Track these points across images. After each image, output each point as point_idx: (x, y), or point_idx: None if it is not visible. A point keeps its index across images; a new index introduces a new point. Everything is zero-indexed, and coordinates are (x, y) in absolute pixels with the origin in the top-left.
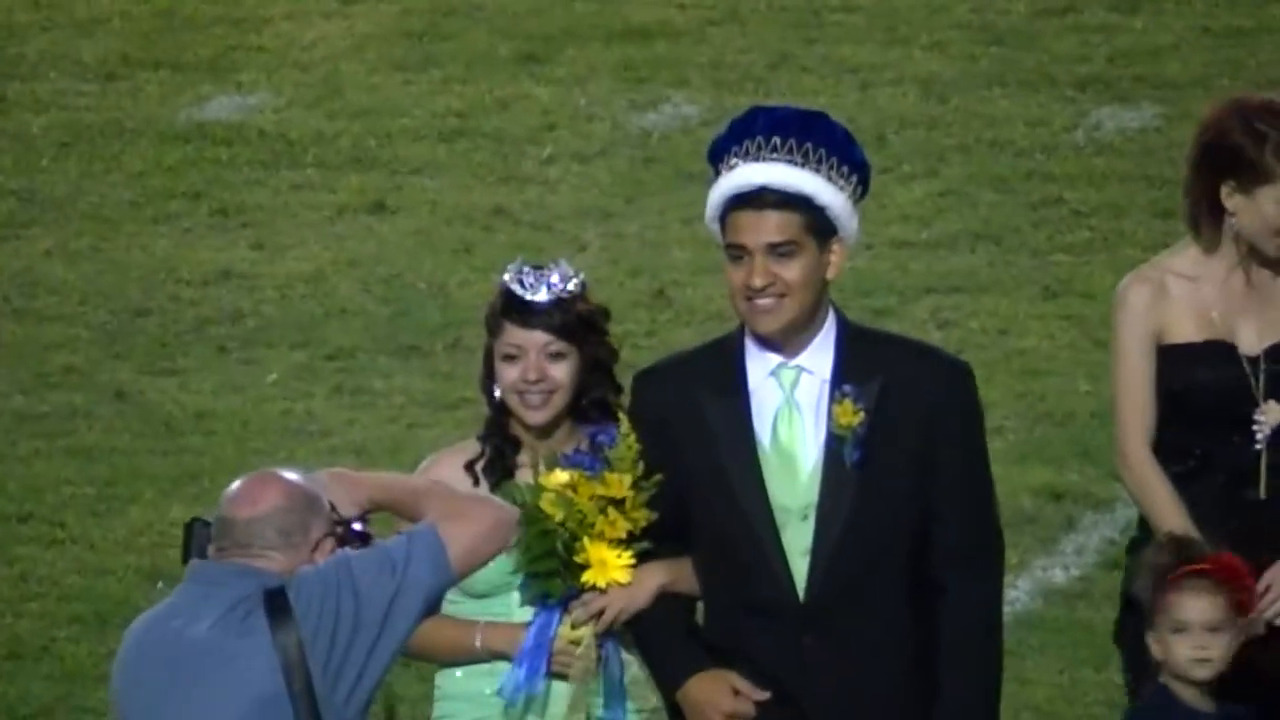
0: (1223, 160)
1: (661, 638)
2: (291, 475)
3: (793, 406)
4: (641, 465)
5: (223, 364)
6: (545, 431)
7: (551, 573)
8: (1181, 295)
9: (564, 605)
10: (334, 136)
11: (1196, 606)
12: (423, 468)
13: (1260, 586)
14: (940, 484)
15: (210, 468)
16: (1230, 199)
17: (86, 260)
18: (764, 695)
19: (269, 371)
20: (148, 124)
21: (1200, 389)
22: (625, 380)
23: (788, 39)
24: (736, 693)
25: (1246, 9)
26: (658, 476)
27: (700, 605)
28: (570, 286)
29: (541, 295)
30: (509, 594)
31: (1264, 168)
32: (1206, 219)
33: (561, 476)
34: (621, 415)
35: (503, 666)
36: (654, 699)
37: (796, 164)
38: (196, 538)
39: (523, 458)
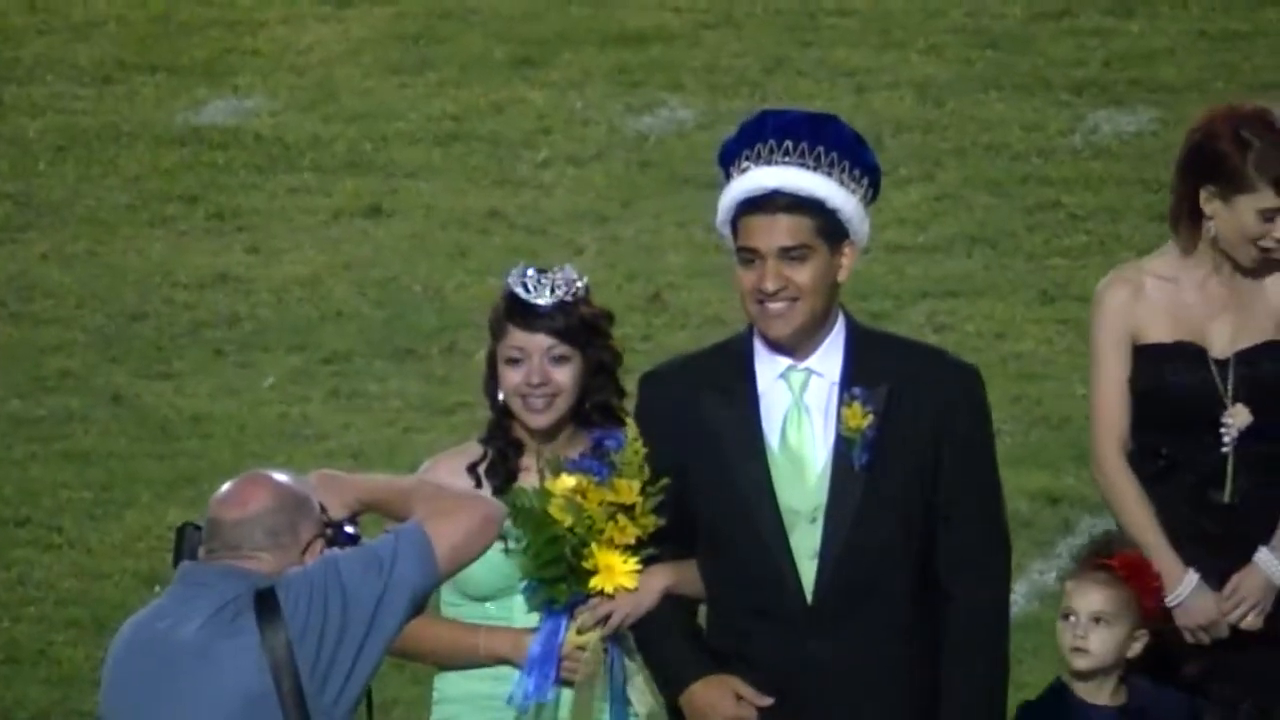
0: (1206, 164)
1: (665, 641)
2: (281, 476)
3: (802, 409)
4: (647, 469)
5: (219, 367)
6: (548, 435)
7: (558, 578)
8: (1158, 297)
9: (570, 611)
10: (329, 140)
11: (1086, 596)
12: (422, 470)
13: (1226, 591)
14: (948, 487)
15: (206, 471)
16: (1209, 204)
17: (82, 264)
18: (767, 700)
19: (265, 375)
20: (144, 128)
21: (1168, 390)
22: (626, 384)
23: (783, 43)
24: (739, 697)
25: (1242, 13)
26: (664, 481)
27: (704, 607)
28: (574, 290)
29: (545, 299)
30: (511, 597)
31: (1244, 177)
32: (1186, 221)
33: (569, 481)
34: (629, 420)
35: (504, 670)
36: (653, 702)
37: (808, 167)
38: (188, 541)
39: (526, 461)
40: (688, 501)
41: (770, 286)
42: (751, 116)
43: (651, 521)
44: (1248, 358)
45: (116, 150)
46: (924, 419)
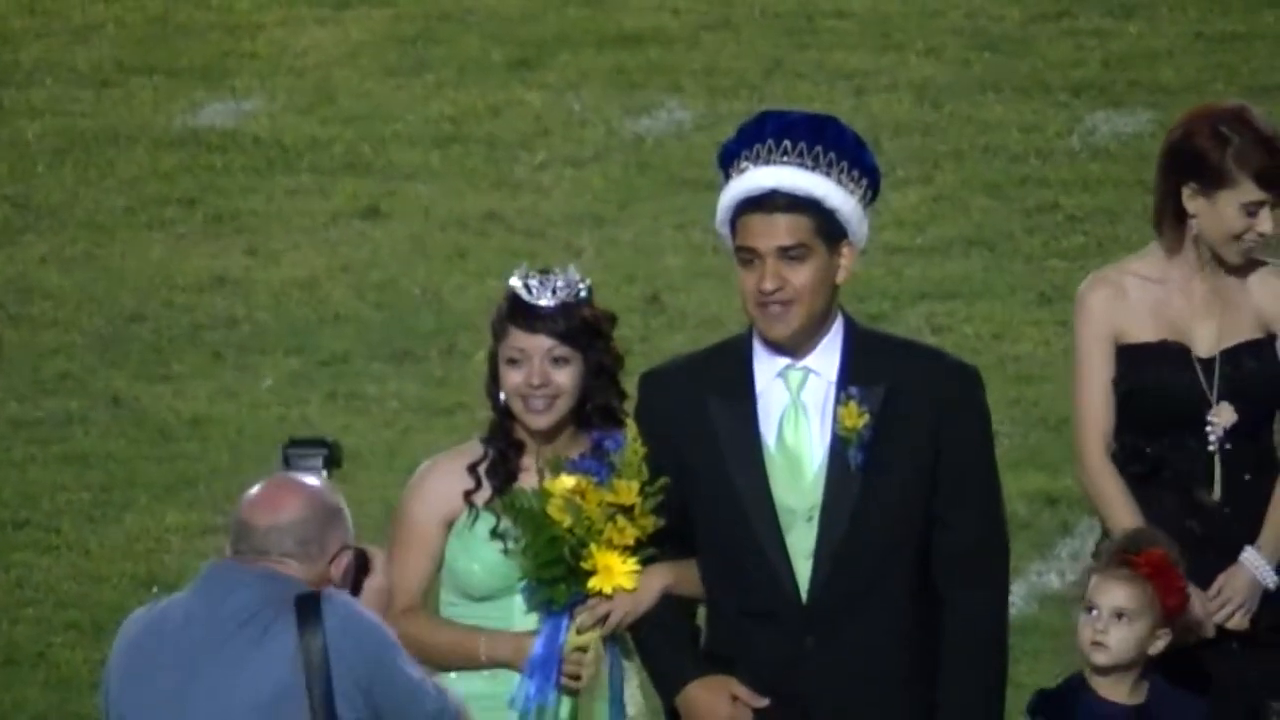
0: (1186, 162)
1: (662, 642)
2: (313, 483)
3: (799, 408)
4: (646, 470)
5: (217, 370)
6: (549, 436)
7: (557, 579)
8: (1141, 297)
9: (569, 612)
10: (328, 142)
11: (1109, 591)
12: (420, 472)
13: (1212, 591)
14: (946, 488)
15: (205, 474)
16: (1192, 201)
17: (81, 267)
18: (763, 702)
19: (263, 377)
20: (142, 130)
21: (1151, 390)
22: (626, 386)
23: (781, 45)
24: (735, 699)
25: (1240, 14)
26: (663, 481)
27: (702, 608)
28: (576, 292)
29: (546, 300)
30: (510, 598)
31: (1224, 172)
32: (1170, 220)
33: (568, 482)
34: (629, 421)
35: (503, 671)
36: (643, 703)
37: (807, 167)
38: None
39: (526, 461)
40: (687, 501)
41: (769, 286)
42: (751, 118)
43: (650, 522)
44: (1232, 356)
45: (115, 153)
46: (922, 419)
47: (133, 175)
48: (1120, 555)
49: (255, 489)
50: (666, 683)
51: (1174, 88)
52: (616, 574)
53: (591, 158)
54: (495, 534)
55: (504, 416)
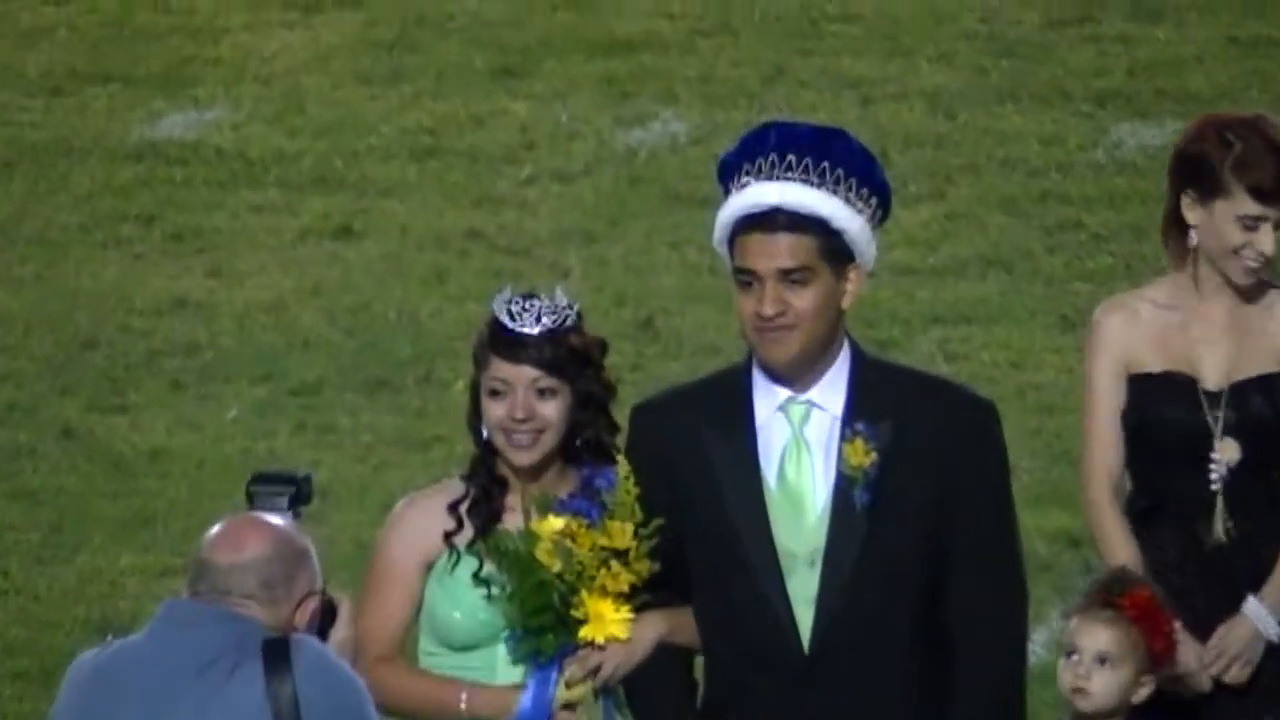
0: (1187, 168)
1: (656, 694)
2: (280, 523)
3: (801, 444)
4: (640, 510)
5: (177, 400)
6: (534, 473)
7: (544, 628)
8: (1152, 324)
9: (558, 663)
10: (296, 155)
11: (1091, 634)
12: (398, 510)
13: (1211, 643)
14: (958, 532)
15: (164, 511)
16: (1191, 210)
17: (31, 288)
18: None
19: (227, 408)
20: (96, 142)
21: (1155, 423)
22: (619, 417)
23: (783, 51)
24: None
25: (1274, 17)
26: (657, 522)
27: (699, 659)
28: (563, 319)
29: (531, 328)
30: (494, 647)
31: (1221, 180)
32: (1174, 231)
33: (556, 523)
34: (620, 459)
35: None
36: None
37: (812, 184)
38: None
39: (511, 500)
40: (681, 543)
41: (769, 310)
42: (754, 129)
43: (646, 567)
44: (1241, 391)
45: (67, 166)
46: (933, 457)
47: (86, 190)
48: (1103, 596)
49: (217, 527)
50: None
51: (1204, 96)
52: (609, 623)
53: (580, 172)
54: (478, 579)
55: (486, 451)
